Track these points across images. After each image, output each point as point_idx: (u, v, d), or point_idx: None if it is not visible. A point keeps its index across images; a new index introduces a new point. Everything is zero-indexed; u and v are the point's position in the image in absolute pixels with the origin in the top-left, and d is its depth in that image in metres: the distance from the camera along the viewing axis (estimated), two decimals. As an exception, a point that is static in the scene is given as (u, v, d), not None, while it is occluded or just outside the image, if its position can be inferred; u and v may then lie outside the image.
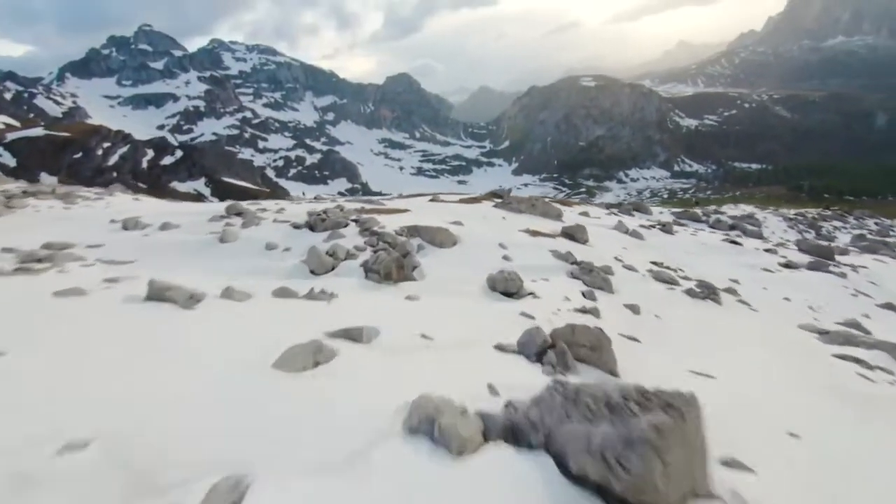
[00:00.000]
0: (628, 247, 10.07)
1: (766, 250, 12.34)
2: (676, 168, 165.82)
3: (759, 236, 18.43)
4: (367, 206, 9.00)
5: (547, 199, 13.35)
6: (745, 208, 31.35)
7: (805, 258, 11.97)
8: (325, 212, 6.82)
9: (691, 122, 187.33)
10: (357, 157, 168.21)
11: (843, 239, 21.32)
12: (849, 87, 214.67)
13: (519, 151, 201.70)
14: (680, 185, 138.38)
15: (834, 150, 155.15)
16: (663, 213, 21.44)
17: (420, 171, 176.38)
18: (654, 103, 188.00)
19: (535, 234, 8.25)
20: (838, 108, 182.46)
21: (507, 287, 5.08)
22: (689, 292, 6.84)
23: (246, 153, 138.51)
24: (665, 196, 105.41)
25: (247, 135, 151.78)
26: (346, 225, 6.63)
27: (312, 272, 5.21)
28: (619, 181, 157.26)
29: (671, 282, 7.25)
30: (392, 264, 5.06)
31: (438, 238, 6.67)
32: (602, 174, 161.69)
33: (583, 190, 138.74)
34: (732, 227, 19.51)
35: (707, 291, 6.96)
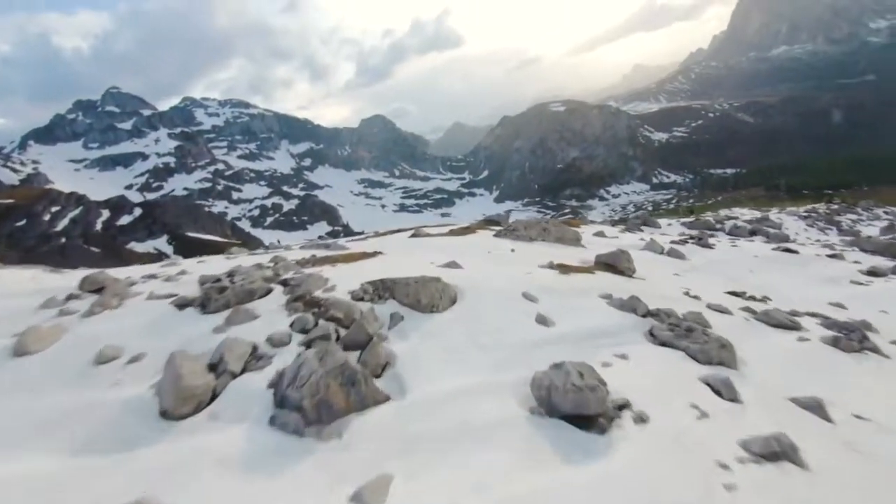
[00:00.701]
0: (679, 272, 7.56)
1: (830, 256, 10.01)
2: (655, 180, 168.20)
3: (785, 239, 16.50)
4: (320, 254, 6.31)
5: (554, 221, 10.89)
6: (740, 211, 29.85)
7: (883, 261, 9.72)
8: (230, 275, 4.10)
9: (662, 136, 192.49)
10: (337, 199, 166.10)
11: (869, 232, 19.42)
12: (799, 90, 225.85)
13: (498, 179, 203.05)
14: (662, 197, 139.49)
15: (799, 148, 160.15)
16: (672, 225, 19.39)
17: (403, 208, 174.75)
18: (624, 121, 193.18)
19: (564, 269, 5.66)
20: (795, 109, 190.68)
21: (578, 404, 2.39)
22: (834, 342, 4.26)
23: (220, 205, 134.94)
24: (650, 208, 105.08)
25: (220, 187, 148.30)
26: (267, 293, 3.90)
27: (164, 414, 2.48)
28: (601, 198, 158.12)
29: (792, 326, 4.66)
30: (329, 385, 2.37)
31: (425, 297, 3.99)
32: (584, 193, 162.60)
33: (567, 211, 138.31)
34: (753, 232, 17.70)
35: (855, 337, 4.41)
